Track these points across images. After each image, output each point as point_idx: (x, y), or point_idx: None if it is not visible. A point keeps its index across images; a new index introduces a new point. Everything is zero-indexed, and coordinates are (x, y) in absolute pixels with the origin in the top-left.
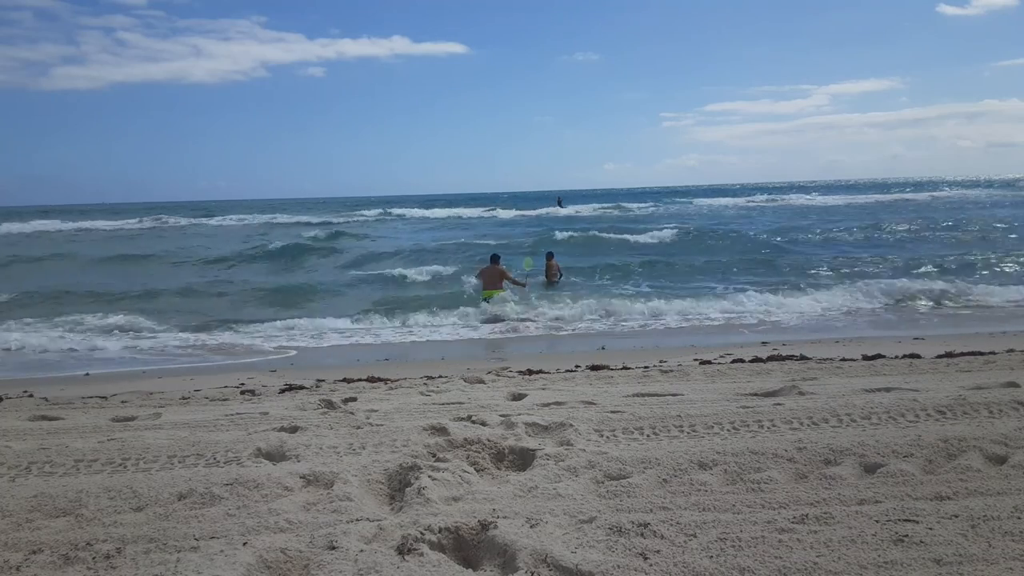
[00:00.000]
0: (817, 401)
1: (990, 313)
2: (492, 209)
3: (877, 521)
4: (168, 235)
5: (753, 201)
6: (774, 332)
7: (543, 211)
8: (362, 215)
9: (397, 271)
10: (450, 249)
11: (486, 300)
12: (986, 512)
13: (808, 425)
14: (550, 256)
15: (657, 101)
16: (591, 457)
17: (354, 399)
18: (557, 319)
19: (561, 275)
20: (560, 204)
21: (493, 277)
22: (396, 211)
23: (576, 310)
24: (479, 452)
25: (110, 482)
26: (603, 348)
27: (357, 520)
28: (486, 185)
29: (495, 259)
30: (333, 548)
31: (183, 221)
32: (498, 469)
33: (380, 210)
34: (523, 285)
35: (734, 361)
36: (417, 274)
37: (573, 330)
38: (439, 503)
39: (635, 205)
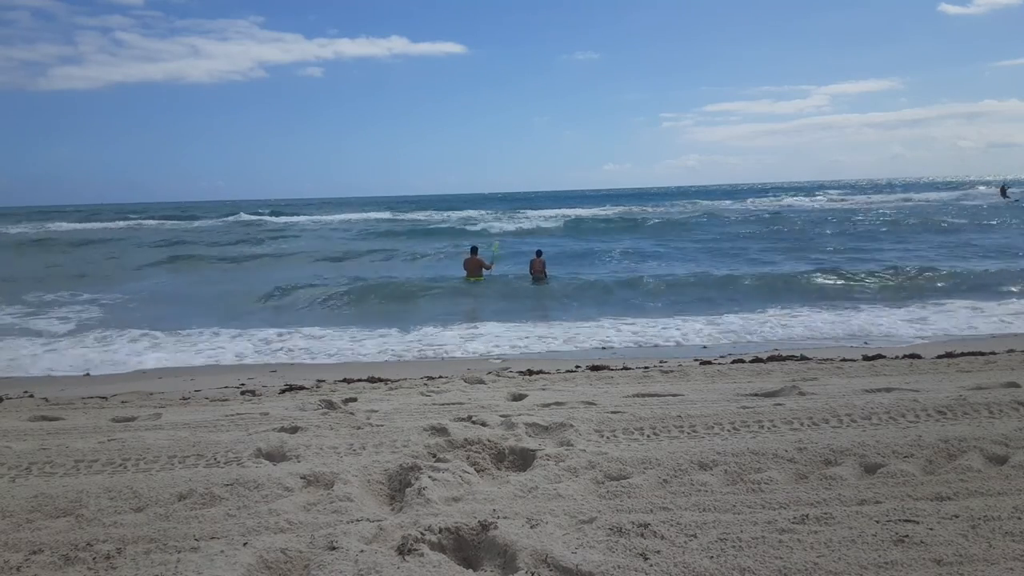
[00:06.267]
0: (817, 401)
1: None
2: (473, 213)
3: (877, 521)
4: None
5: (847, 201)
6: None
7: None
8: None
9: None
10: None
11: (474, 283)
12: (986, 512)
13: (808, 425)
14: (539, 253)
15: (657, 101)
16: (591, 457)
17: (354, 399)
18: None
19: (546, 275)
20: (1004, 194)
21: (474, 266)
22: (297, 218)
23: None
24: (479, 452)
25: (110, 482)
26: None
27: (357, 520)
28: (485, 186)
29: (474, 251)
30: (333, 548)
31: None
32: (498, 469)
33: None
34: (489, 268)
35: (734, 361)
36: None
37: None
38: (439, 503)
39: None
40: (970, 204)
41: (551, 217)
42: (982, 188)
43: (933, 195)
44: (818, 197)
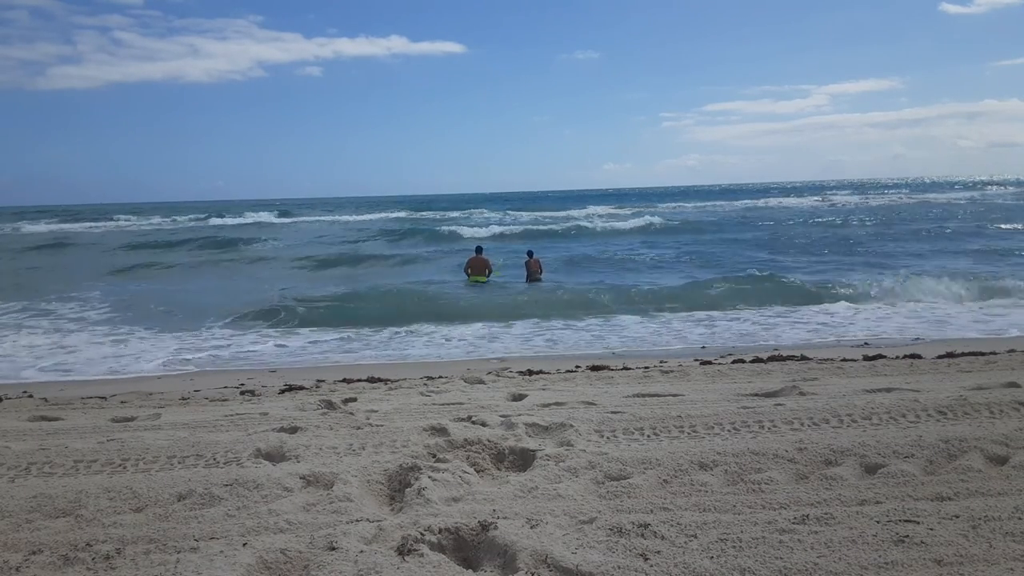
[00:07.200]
0: (818, 401)
1: None
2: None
3: (878, 522)
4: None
5: (866, 200)
6: None
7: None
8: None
9: None
10: None
11: (474, 283)
12: (987, 513)
13: (809, 425)
14: (531, 254)
15: (657, 101)
16: (591, 458)
17: (354, 399)
18: None
19: (542, 272)
20: None
21: (479, 266)
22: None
23: None
24: (479, 453)
25: (110, 483)
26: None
27: (357, 521)
28: (485, 186)
29: (479, 250)
30: (333, 549)
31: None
32: (498, 470)
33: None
34: (491, 272)
35: (734, 361)
36: None
37: None
38: (439, 504)
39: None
40: (1001, 203)
41: (555, 219)
42: (993, 188)
43: (953, 195)
44: (821, 198)
